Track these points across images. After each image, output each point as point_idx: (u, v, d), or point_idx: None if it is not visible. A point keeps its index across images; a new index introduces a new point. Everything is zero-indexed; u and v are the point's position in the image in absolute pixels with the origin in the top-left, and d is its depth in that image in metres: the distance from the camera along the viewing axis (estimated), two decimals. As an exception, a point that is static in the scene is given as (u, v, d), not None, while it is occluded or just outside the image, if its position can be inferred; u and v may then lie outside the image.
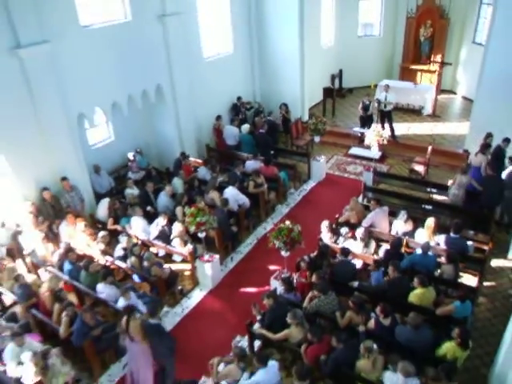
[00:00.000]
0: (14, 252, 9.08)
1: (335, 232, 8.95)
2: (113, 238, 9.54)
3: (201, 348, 7.52)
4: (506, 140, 10.19)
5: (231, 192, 10.22)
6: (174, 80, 11.83)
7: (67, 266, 8.41)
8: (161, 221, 9.40)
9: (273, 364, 6.05)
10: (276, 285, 8.18)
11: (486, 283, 8.52)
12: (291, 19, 13.91)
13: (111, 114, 10.82)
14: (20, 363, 6.52)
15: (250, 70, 15.22)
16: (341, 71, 16.97)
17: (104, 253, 8.99)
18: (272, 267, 9.04)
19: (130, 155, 11.92)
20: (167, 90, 11.83)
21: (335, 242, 8.80)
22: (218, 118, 13.41)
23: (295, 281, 8.10)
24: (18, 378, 6.43)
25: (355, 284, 7.84)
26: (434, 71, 15.73)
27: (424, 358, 6.18)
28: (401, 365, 5.64)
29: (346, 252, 8.01)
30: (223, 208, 9.59)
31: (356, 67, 17.38)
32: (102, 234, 9.16)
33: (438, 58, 15.60)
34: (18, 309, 7.88)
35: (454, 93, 17.17)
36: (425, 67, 16.55)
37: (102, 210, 10.15)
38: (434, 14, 15.95)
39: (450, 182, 10.12)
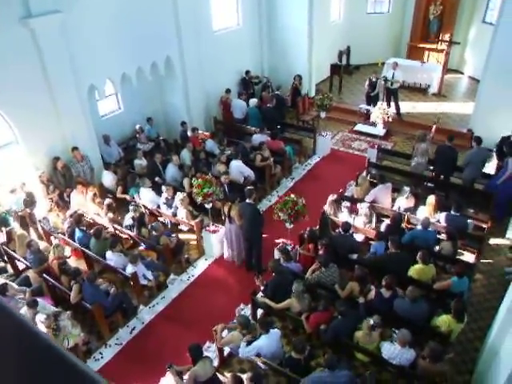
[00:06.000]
0: (26, 220, 9.32)
1: (339, 206, 9.14)
2: (122, 207, 9.78)
3: (205, 314, 7.77)
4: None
5: (236, 164, 10.40)
6: (183, 52, 11.87)
7: (78, 234, 8.66)
8: (166, 192, 9.59)
9: (275, 331, 6.30)
10: (276, 255, 8.43)
11: (483, 260, 8.72)
12: (301, -7, 13.84)
13: (121, 85, 10.91)
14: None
15: (258, 44, 15.21)
16: (348, 48, 16.90)
17: (112, 221, 9.23)
18: (276, 239, 9.26)
19: (138, 127, 12.05)
20: (176, 62, 11.88)
21: (336, 215, 9.00)
22: (228, 91, 13.49)
23: (298, 253, 8.35)
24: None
25: (354, 256, 8.06)
26: (442, 50, 15.60)
27: (420, 330, 6.45)
28: (400, 333, 5.91)
29: (347, 226, 8.16)
30: (222, 179, 9.68)
31: (364, 44, 17.25)
32: (107, 201, 9.39)
33: (447, 37, 15.45)
34: (30, 273, 8.15)
35: (461, 72, 17.10)
36: (433, 46, 16.47)
37: (106, 180, 10.38)
38: (444, -9, 15.79)
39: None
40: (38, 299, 7.13)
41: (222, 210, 9.48)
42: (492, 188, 9.66)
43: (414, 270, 7.32)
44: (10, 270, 8.70)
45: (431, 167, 10.70)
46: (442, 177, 10.45)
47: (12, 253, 8.49)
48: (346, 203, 9.11)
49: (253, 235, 8.40)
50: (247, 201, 8.27)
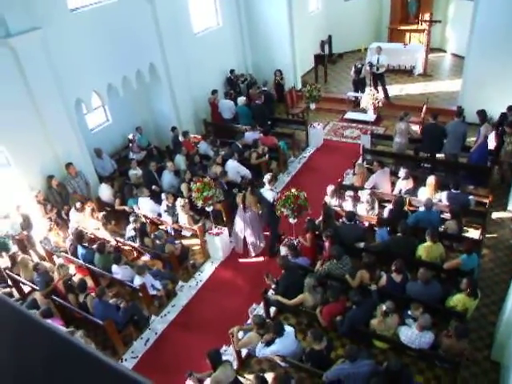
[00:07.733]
0: (25, 242, 9.20)
1: (340, 196, 9.10)
2: (122, 220, 9.70)
3: (218, 318, 7.71)
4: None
5: (232, 165, 10.34)
6: (166, 58, 11.77)
7: (81, 251, 8.54)
8: (166, 200, 9.50)
9: (289, 332, 6.21)
10: (284, 251, 8.37)
11: (488, 235, 8.71)
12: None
13: (107, 96, 10.79)
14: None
15: (240, 41, 15.10)
16: (330, 37, 16.85)
17: (113, 231, 9.15)
18: (281, 235, 9.20)
19: (130, 136, 11.94)
20: (160, 68, 11.78)
21: (340, 205, 8.97)
22: (214, 92, 13.37)
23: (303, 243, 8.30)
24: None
25: (361, 245, 8.02)
26: (423, 30, 15.57)
27: (435, 311, 6.44)
28: (422, 318, 5.88)
29: (351, 215, 8.13)
30: (221, 180, 9.72)
31: (345, 32, 17.21)
32: (101, 214, 9.35)
33: (427, 16, 15.43)
34: (37, 295, 8.06)
35: (444, 51, 17.09)
36: (413, 27, 16.46)
37: (103, 194, 10.27)
38: (419, -30, 15.79)
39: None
40: (49, 321, 7.02)
41: (223, 211, 9.43)
42: (470, 159, 9.93)
43: (423, 248, 7.31)
44: (16, 294, 8.59)
45: (414, 147, 10.72)
46: (429, 155, 10.46)
47: (16, 277, 8.38)
48: (350, 192, 9.06)
49: (272, 219, 8.70)
50: (267, 187, 8.63)
